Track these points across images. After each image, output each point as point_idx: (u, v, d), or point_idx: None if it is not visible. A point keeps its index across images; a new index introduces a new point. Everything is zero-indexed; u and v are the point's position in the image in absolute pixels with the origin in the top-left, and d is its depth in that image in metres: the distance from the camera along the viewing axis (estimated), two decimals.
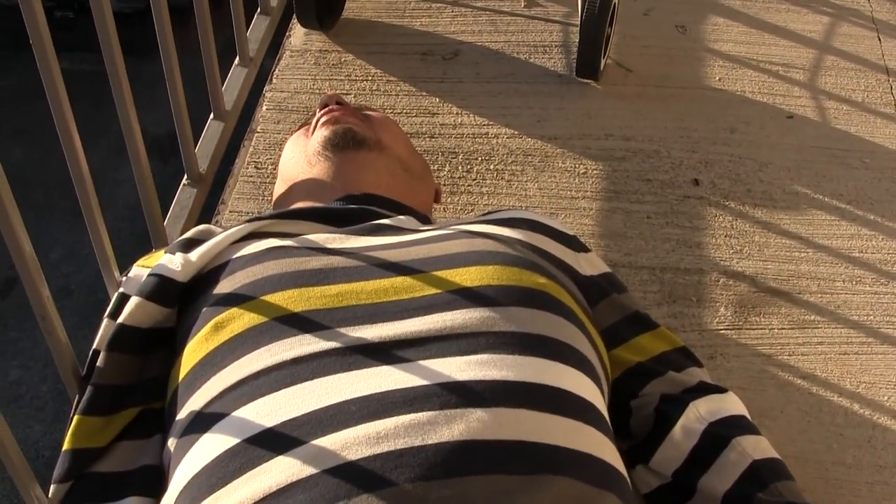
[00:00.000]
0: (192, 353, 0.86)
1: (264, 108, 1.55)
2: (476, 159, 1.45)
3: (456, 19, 1.72)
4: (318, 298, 0.85)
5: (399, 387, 0.76)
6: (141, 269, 1.00)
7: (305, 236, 0.96)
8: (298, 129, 1.22)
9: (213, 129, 1.41)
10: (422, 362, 0.78)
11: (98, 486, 0.87)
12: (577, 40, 1.53)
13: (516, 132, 1.50)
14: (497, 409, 0.75)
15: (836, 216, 1.37)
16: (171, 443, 0.84)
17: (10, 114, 3.50)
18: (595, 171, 1.44)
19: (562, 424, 0.77)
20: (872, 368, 1.18)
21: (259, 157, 1.46)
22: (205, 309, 0.89)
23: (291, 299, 0.85)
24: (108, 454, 0.89)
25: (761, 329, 1.22)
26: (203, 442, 0.78)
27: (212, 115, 1.42)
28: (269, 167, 1.44)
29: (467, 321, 0.82)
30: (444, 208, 1.37)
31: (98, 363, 0.91)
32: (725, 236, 1.34)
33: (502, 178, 1.42)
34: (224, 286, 0.90)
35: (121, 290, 1.00)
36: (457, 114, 1.53)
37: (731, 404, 0.97)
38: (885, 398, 1.15)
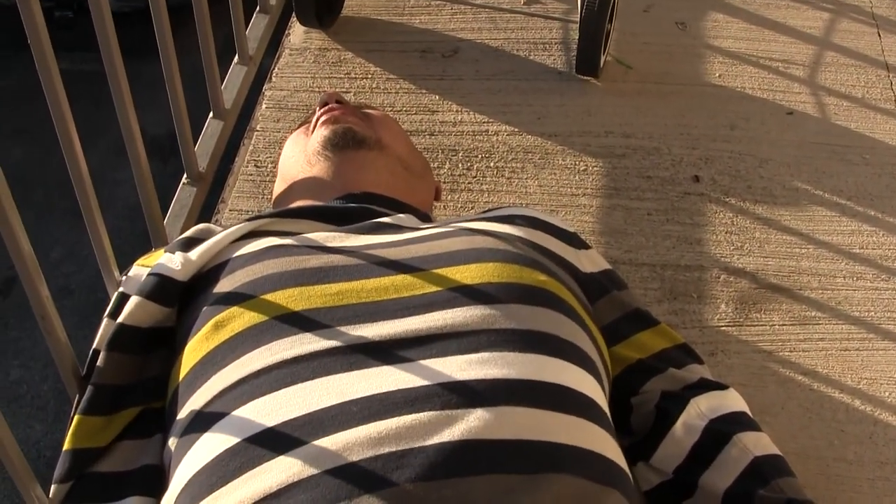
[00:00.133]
0: (193, 352, 0.86)
1: (264, 106, 1.55)
2: (476, 157, 1.45)
3: (455, 17, 1.72)
4: (318, 297, 0.85)
5: (400, 387, 0.76)
6: (140, 269, 1.00)
7: (305, 235, 0.96)
8: (298, 127, 1.21)
9: (212, 128, 1.41)
10: (423, 362, 0.78)
11: (98, 486, 0.87)
12: (577, 37, 1.53)
13: (516, 129, 1.50)
14: (498, 408, 0.74)
15: (836, 212, 1.37)
16: (172, 442, 0.84)
17: (11, 114, 3.50)
18: (595, 168, 1.44)
19: (563, 422, 0.77)
20: (873, 365, 1.18)
21: (259, 156, 1.46)
22: (205, 308, 0.88)
23: (292, 298, 0.85)
24: (109, 454, 0.89)
25: (762, 325, 1.22)
26: (203, 441, 0.78)
27: (211, 114, 1.42)
28: (269, 165, 1.44)
29: (468, 319, 0.82)
30: (444, 206, 1.37)
31: (98, 363, 0.91)
32: (726, 233, 1.34)
33: (502, 176, 1.42)
34: (224, 285, 0.90)
35: (120, 289, 1.00)
36: (456, 111, 1.53)
37: (732, 401, 0.97)
38: (887, 394, 1.15)
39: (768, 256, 1.31)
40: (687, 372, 0.99)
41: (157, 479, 0.86)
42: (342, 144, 1.08)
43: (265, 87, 1.59)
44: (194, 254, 0.95)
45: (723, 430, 0.93)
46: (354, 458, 0.71)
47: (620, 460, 0.82)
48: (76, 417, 0.89)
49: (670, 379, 0.98)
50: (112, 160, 3.25)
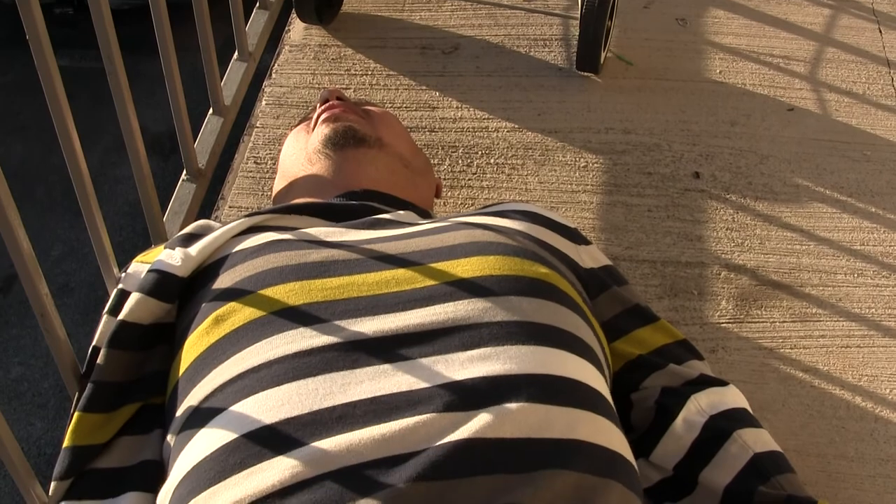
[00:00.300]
0: (193, 347, 0.86)
1: (263, 102, 1.55)
2: (476, 153, 1.45)
3: (455, 13, 1.72)
4: (318, 291, 0.85)
5: (403, 389, 0.76)
6: (140, 265, 1.00)
7: (305, 230, 0.96)
8: (298, 124, 1.21)
9: (212, 125, 1.41)
10: (425, 361, 0.78)
11: (97, 483, 0.87)
12: (578, 33, 1.53)
13: (516, 126, 1.50)
14: (500, 407, 0.74)
15: (837, 209, 1.37)
16: (171, 436, 0.84)
17: (12, 110, 3.50)
18: (596, 165, 1.44)
19: (567, 415, 0.77)
20: (874, 361, 1.18)
21: (258, 152, 1.46)
22: (205, 303, 0.88)
23: (292, 292, 0.85)
24: (108, 450, 0.89)
25: (763, 322, 1.22)
26: (203, 435, 0.78)
27: (211, 111, 1.42)
28: (269, 162, 1.44)
29: (469, 312, 0.82)
30: (444, 203, 1.37)
31: (98, 360, 0.91)
32: (726, 229, 1.34)
33: (503, 172, 1.42)
34: (224, 280, 0.89)
35: (119, 286, 1.00)
36: (457, 108, 1.53)
37: (733, 397, 0.97)
38: (888, 391, 1.15)
39: (769, 253, 1.31)
40: (687, 368, 0.99)
41: (156, 474, 0.86)
42: (343, 143, 1.08)
43: (265, 83, 1.59)
44: (194, 249, 0.95)
45: (723, 426, 0.93)
46: (357, 460, 0.71)
47: (625, 450, 0.81)
48: (76, 415, 0.89)
49: (670, 375, 0.98)
50: (113, 157, 3.26)
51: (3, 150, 3.32)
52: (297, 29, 1.69)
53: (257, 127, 1.51)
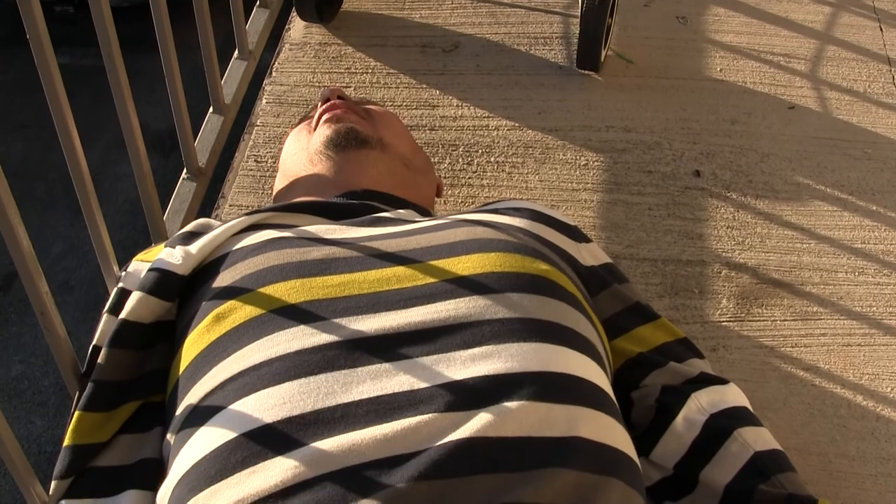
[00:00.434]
0: (193, 344, 0.86)
1: (264, 101, 1.55)
2: (477, 152, 1.45)
3: (456, 11, 1.72)
4: (319, 289, 0.85)
5: (404, 389, 0.76)
6: (140, 264, 1.00)
7: (305, 227, 0.96)
8: (299, 122, 1.21)
9: (212, 123, 1.41)
10: (426, 360, 0.78)
11: (97, 481, 0.87)
12: (578, 32, 1.52)
13: (517, 124, 1.50)
14: (501, 406, 0.74)
15: (838, 207, 1.37)
16: (171, 433, 0.83)
17: (13, 108, 3.50)
18: (596, 163, 1.43)
19: (569, 413, 0.77)
20: (875, 360, 1.18)
21: (259, 151, 1.46)
22: (205, 301, 0.88)
23: (293, 290, 0.85)
24: (108, 448, 0.89)
25: (763, 321, 1.22)
26: (203, 432, 0.78)
27: (211, 109, 1.42)
28: (269, 161, 1.44)
29: (470, 309, 0.82)
30: (444, 201, 1.37)
31: (99, 360, 0.91)
32: (727, 228, 1.34)
33: (503, 171, 1.42)
34: (225, 278, 0.89)
35: (120, 285, 1.00)
36: (457, 106, 1.53)
37: (733, 396, 0.97)
38: (889, 390, 1.15)
39: (770, 251, 1.31)
40: (688, 366, 0.99)
41: (155, 472, 0.86)
42: (345, 144, 1.08)
43: (265, 81, 1.59)
44: (194, 247, 0.95)
45: (723, 425, 0.93)
46: (359, 460, 0.71)
47: (627, 447, 0.81)
48: (76, 414, 0.89)
49: (671, 373, 0.98)
50: (114, 154, 3.25)
51: (4, 148, 3.32)
52: (297, 27, 1.69)
53: (258, 125, 1.51)
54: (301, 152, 1.12)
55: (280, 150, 1.21)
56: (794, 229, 1.34)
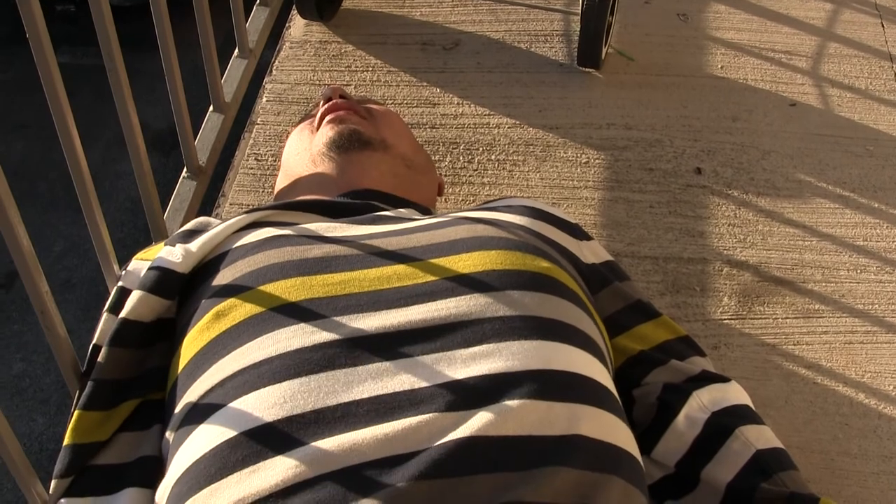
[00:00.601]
0: (193, 342, 0.86)
1: (264, 99, 1.55)
2: (477, 149, 1.45)
3: (456, 9, 1.72)
4: (320, 287, 0.85)
5: (405, 388, 0.75)
6: (140, 263, 1.00)
7: (305, 225, 0.96)
8: (301, 121, 1.21)
9: (212, 122, 1.41)
10: (427, 359, 0.78)
11: (96, 479, 0.87)
12: (579, 29, 1.52)
13: (518, 122, 1.49)
14: (502, 405, 0.74)
15: (839, 204, 1.37)
16: (171, 431, 0.83)
17: (13, 107, 3.50)
18: (597, 161, 1.43)
19: (569, 411, 0.77)
20: (878, 358, 1.18)
21: (259, 149, 1.45)
22: (205, 299, 0.88)
23: (294, 288, 0.85)
24: (108, 446, 0.89)
25: (765, 318, 1.22)
26: (203, 430, 0.78)
27: (211, 108, 1.42)
28: (270, 159, 1.44)
29: (471, 308, 0.82)
30: (445, 199, 1.37)
31: (99, 359, 0.91)
32: (728, 225, 1.34)
33: (504, 169, 1.42)
34: (225, 275, 0.89)
35: (120, 283, 0.99)
36: (458, 104, 1.53)
37: (735, 394, 0.97)
38: (891, 388, 1.15)
39: (771, 249, 1.30)
40: (689, 364, 0.99)
41: (154, 470, 0.86)
42: (347, 146, 1.08)
43: (265, 80, 1.59)
44: (194, 245, 0.95)
45: (725, 423, 0.93)
46: (359, 459, 0.71)
47: (630, 445, 0.81)
48: (76, 413, 0.89)
49: (672, 371, 0.98)
50: (114, 153, 3.25)
51: (4, 148, 3.32)
52: (297, 25, 1.69)
53: (258, 124, 1.50)
54: (303, 152, 1.12)
55: (281, 148, 1.20)
56: (795, 227, 1.33)
